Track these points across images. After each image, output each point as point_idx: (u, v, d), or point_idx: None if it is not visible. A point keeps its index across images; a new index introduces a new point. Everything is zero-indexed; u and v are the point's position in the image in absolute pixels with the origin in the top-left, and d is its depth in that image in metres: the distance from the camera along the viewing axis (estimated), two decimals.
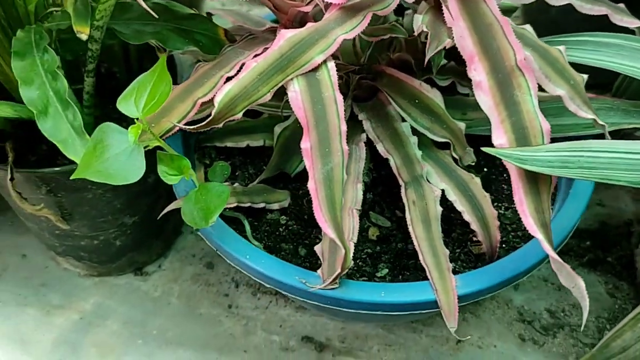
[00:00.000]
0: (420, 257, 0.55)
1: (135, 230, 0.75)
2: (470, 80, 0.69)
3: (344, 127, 0.51)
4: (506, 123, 0.50)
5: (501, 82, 0.51)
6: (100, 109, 0.66)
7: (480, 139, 0.67)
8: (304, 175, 0.67)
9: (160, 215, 0.58)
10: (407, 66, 0.67)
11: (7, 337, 0.76)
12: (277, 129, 0.66)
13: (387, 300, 0.53)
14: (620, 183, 0.47)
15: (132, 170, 0.47)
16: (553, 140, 0.65)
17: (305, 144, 0.50)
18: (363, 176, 0.64)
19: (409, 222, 0.57)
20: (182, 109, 0.54)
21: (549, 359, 0.75)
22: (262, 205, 0.63)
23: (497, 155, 0.48)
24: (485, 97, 0.51)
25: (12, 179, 0.59)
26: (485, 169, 0.69)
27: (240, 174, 0.68)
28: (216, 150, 0.69)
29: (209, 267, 0.83)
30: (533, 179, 0.49)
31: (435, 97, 0.63)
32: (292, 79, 0.52)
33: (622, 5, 0.67)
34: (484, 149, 0.49)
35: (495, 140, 0.50)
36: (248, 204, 0.62)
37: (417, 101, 0.64)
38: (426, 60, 0.53)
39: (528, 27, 0.60)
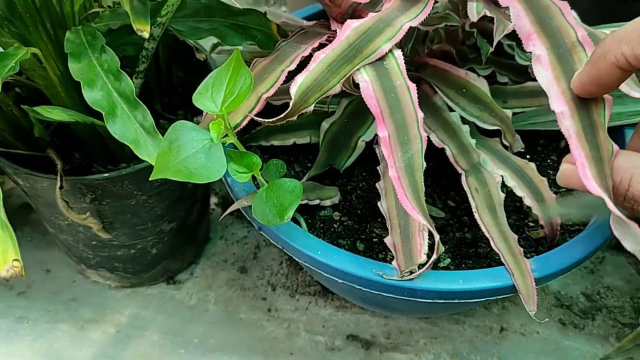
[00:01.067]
0: (492, 244, 0.55)
1: (172, 237, 0.73)
2: (509, 68, 0.71)
3: (420, 114, 0.50)
4: (567, 93, 0.49)
5: (561, 56, 0.50)
6: None
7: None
8: (350, 171, 0.67)
9: (224, 215, 0.56)
10: (448, 57, 0.67)
11: (43, 357, 0.73)
12: (325, 125, 0.65)
13: (466, 287, 0.53)
14: None
15: (214, 168, 0.46)
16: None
17: (382, 133, 0.49)
18: None
19: (474, 210, 0.57)
20: (247, 105, 0.53)
21: (591, 341, 0.76)
22: (316, 202, 0.62)
23: None
24: (544, 71, 0.50)
25: (61, 187, 0.57)
26: (527, 156, 0.69)
27: (287, 173, 0.67)
28: (260, 149, 0.68)
29: (243, 272, 0.81)
30: (595, 146, 0.49)
31: (482, 85, 0.63)
32: (359, 69, 0.52)
33: None
34: None
35: (557, 108, 0.49)
36: (305, 201, 0.61)
37: (464, 90, 0.64)
38: (494, 45, 0.53)
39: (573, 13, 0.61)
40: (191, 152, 0.45)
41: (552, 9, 0.53)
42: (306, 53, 0.56)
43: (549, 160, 0.68)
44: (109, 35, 0.56)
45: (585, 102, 0.49)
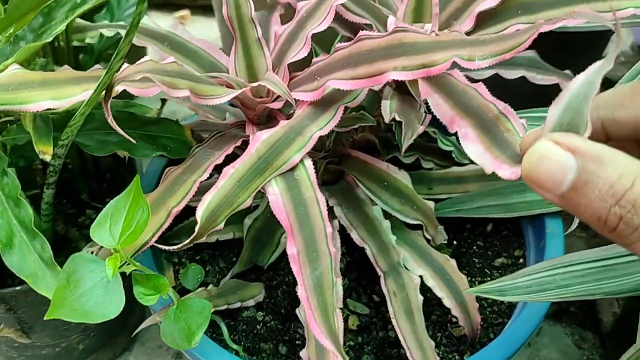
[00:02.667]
0: (407, 353, 0.55)
1: (100, 331, 0.72)
2: (434, 152, 0.71)
3: (329, 229, 0.50)
4: (502, 157, 0.49)
5: (487, 128, 0.49)
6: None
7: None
8: (276, 264, 0.66)
9: (139, 329, 0.55)
10: (371, 146, 0.67)
11: None
12: (247, 221, 0.64)
13: None
14: (596, 297, 0.49)
15: (110, 305, 0.44)
16: (520, 218, 0.67)
17: (291, 249, 0.49)
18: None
19: (391, 314, 0.57)
20: (156, 221, 0.52)
21: None
22: (238, 305, 0.61)
23: (478, 293, 0.49)
24: (474, 145, 0.49)
25: None
26: (454, 242, 0.69)
27: (211, 269, 0.66)
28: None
29: (178, 358, 0.80)
30: None
31: (404, 178, 0.63)
32: (269, 181, 0.51)
33: (568, 71, 0.70)
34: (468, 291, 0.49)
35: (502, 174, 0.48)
36: (224, 307, 0.60)
37: (385, 183, 0.63)
38: (403, 151, 0.53)
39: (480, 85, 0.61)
40: (89, 287, 0.44)
41: (469, 91, 0.53)
42: (219, 161, 0.55)
43: (474, 247, 0.69)
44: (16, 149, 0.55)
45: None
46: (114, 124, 0.47)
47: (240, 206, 0.50)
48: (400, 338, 0.55)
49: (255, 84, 0.54)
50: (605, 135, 0.41)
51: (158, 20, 0.64)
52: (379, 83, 0.49)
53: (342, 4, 0.61)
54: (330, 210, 0.64)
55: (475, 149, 0.48)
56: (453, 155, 0.68)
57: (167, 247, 0.48)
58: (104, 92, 0.48)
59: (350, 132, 0.68)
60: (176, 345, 0.50)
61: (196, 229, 0.48)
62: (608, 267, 0.54)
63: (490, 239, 0.69)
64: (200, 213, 0.48)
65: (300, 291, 0.48)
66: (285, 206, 0.50)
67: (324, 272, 0.49)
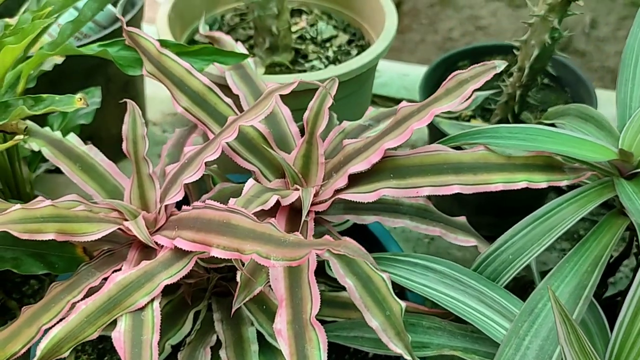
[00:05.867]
0: None
1: None
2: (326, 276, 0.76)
3: None
4: None
5: (297, 333, 0.57)
6: None
7: None
8: None
9: None
10: None
11: None
12: None
13: None
14: None
15: None
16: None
17: None
18: None
19: None
20: (28, 334, 0.61)
21: None
22: None
23: None
24: (284, 345, 0.57)
25: None
26: None
27: (109, 358, 0.74)
28: None
29: None
30: None
31: None
32: (120, 316, 0.58)
33: (462, 219, 0.72)
34: None
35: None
36: None
37: (264, 307, 0.69)
38: (233, 310, 0.59)
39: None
40: None
41: (304, 274, 0.59)
42: (96, 283, 0.63)
43: None
44: None
45: None
46: None
47: (85, 339, 0.58)
48: None
49: (127, 224, 0.62)
50: None
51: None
52: (207, 251, 0.55)
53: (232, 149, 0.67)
54: (212, 322, 0.70)
55: (285, 348, 0.56)
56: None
57: None
58: None
59: None
60: None
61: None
62: None
63: None
64: (42, 346, 0.56)
65: None
66: (124, 344, 0.57)
67: None
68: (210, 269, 0.71)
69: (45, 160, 0.80)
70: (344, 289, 0.73)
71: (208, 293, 0.72)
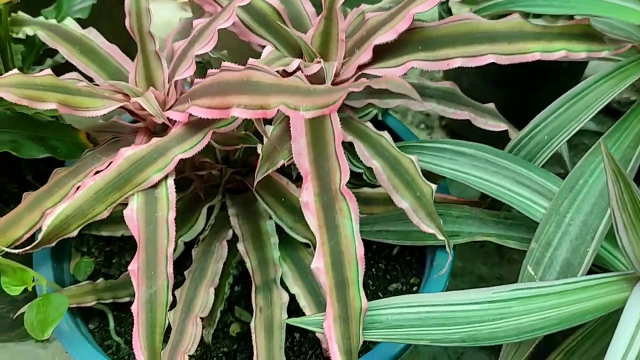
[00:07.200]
0: None
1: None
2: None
3: (170, 250, 0.52)
4: (325, 246, 0.52)
5: (326, 204, 0.52)
6: None
7: None
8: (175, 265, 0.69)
9: (16, 315, 0.59)
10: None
11: None
12: None
13: None
14: (423, 342, 0.48)
15: None
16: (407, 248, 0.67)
17: (133, 265, 0.51)
18: (232, 269, 0.65)
19: (252, 330, 0.59)
20: (30, 219, 0.56)
21: None
22: (127, 299, 0.65)
23: (300, 325, 0.51)
24: (312, 218, 0.53)
25: None
26: None
27: (117, 261, 0.70)
28: (94, 237, 0.71)
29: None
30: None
31: None
32: (132, 195, 0.54)
33: (490, 105, 0.68)
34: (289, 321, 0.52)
35: (314, 263, 0.51)
36: (110, 300, 0.64)
37: (283, 199, 0.65)
38: (255, 182, 0.54)
39: (386, 134, 0.61)
40: None
41: (330, 147, 0.55)
42: (102, 167, 0.59)
43: (374, 269, 0.69)
44: None
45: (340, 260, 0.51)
46: None
47: (95, 217, 0.53)
48: (255, 353, 0.57)
49: (136, 99, 0.57)
50: None
51: (161, 6, 0.66)
52: (226, 116, 0.50)
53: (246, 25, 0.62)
54: (227, 218, 0.66)
55: (313, 221, 0.52)
56: (364, 176, 0.68)
57: (17, 251, 0.52)
58: None
59: None
60: (34, 334, 0.55)
61: (39, 236, 0.51)
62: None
63: (393, 263, 0.70)
64: (48, 222, 0.52)
65: (134, 307, 0.51)
66: (138, 222, 0.53)
67: (159, 291, 0.52)
68: (223, 159, 0.66)
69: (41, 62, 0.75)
70: (365, 185, 0.69)
71: (221, 188, 0.68)
